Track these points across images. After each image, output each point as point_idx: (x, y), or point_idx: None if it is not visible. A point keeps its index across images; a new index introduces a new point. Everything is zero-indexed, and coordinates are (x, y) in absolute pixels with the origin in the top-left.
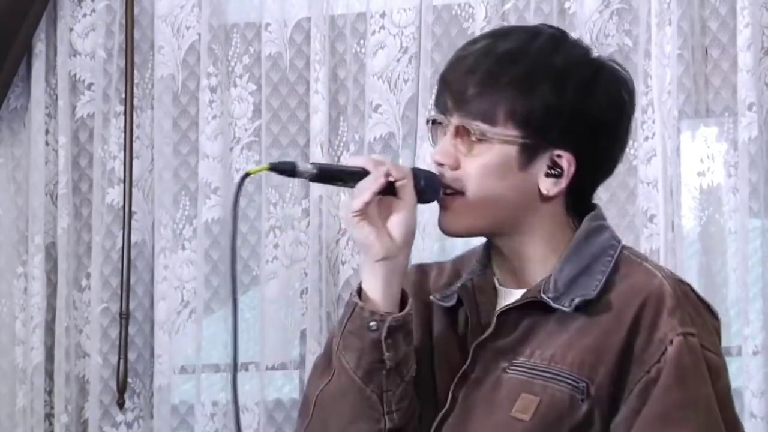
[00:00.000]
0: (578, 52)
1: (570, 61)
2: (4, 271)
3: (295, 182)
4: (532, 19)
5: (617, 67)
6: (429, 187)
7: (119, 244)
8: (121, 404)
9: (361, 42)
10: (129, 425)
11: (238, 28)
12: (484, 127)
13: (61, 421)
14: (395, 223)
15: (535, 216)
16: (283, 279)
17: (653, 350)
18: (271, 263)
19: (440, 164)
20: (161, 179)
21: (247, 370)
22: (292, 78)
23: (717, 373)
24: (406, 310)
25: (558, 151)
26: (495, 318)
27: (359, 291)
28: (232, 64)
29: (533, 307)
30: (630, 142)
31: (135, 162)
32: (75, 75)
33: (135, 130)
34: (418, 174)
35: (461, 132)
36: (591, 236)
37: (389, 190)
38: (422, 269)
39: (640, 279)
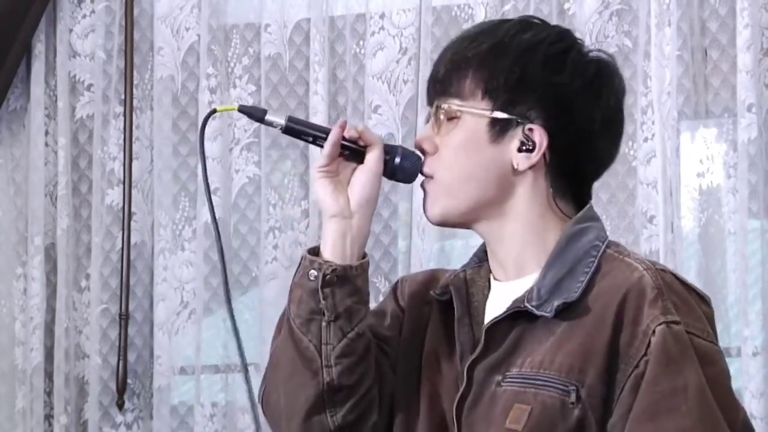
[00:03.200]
0: (548, 32)
1: (538, 38)
2: (4, 272)
3: (294, 183)
4: None
5: (596, 52)
6: (406, 165)
7: (119, 245)
8: (120, 405)
9: (361, 43)
10: (128, 426)
11: (238, 29)
12: (453, 101)
13: (61, 422)
14: (353, 185)
15: (512, 196)
16: (283, 280)
17: (638, 344)
18: (271, 264)
19: (421, 151)
20: (161, 180)
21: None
22: (291, 79)
23: (709, 359)
24: (349, 263)
25: (530, 126)
26: (484, 333)
27: (315, 249)
28: (232, 65)
29: (520, 316)
30: (629, 143)
31: (134, 163)
32: (74, 76)
33: (134, 131)
34: (396, 150)
35: (436, 114)
36: (574, 239)
37: (363, 159)
38: (434, 274)
39: (620, 275)
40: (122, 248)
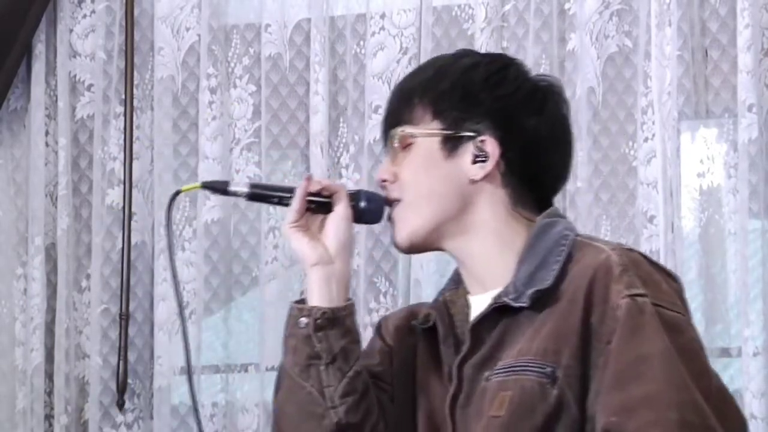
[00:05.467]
0: (485, 55)
1: (476, 60)
2: (4, 273)
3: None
4: (531, 20)
5: (538, 75)
6: (371, 207)
7: (119, 245)
8: (121, 405)
9: (361, 43)
10: (129, 426)
11: (238, 29)
12: (405, 128)
13: (61, 422)
14: (326, 234)
15: (474, 208)
16: (283, 280)
17: (609, 320)
18: (271, 264)
19: (383, 182)
20: (161, 180)
21: (246, 371)
22: (291, 79)
23: (677, 328)
24: (336, 305)
25: (482, 138)
26: (469, 333)
27: (300, 299)
28: (232, 65)
29: (502, 313)
30: (629, 143)
31: (135, 163)
32: (75, 76)
33: (135, 131)
34: (359, 194)
35: (392, 145)
36: (543, 232)
37: (329, 209)
38: (412, 308)
39: (589, 259)
40: (123, 248)
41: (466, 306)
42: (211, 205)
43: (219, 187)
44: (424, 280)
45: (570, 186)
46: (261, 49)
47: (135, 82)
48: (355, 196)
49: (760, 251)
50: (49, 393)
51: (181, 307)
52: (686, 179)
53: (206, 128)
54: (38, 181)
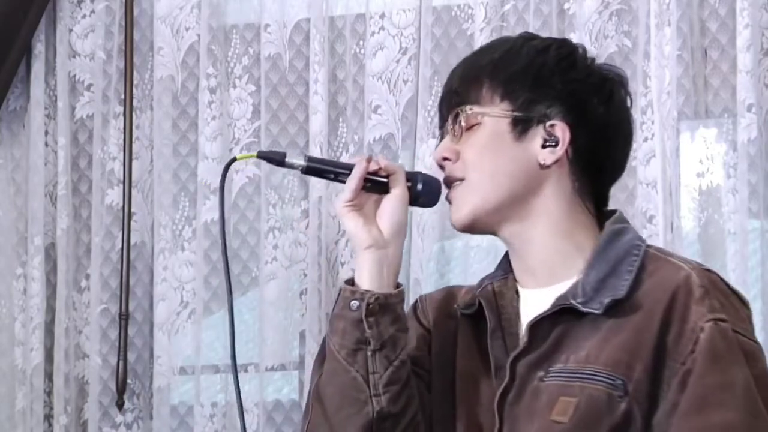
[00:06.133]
0: (553, 39)
1: (546, 43)
2: (4, 273)
3: (294, 183)
4: (531, 20)
5: (609, 66)
6: (428, 190)
7: (119, 245)
8: (120, 405)
9: (361, 43)
10: (128, 426)
11: (238, 29)
12: (473, 107)
13: (61, 422)
14: (382, 215)
15: (539, 194)
16: (283, 280)
17: (686, 341)
18: (271, 264)
19: (442, 161)
20: (161, 180)
21: (246, 371)
22: (291, 79)
23: (754, 357)
24: (388, 291)
25: (552, 122)
26: (527, 330)
27: (350, 280)
28: (232, 65)
29: (564, 314)
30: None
31: (134, 163)
32: (74, 76)
33: (134, 131)
34: (416, 176)
35: (455, 122)
36: (615, 238)
37: (385, 190)
38: (451, 290)
39: (667, 274)
40: (122, 248)
41: (516, 299)
42: (211, 205)
43: (276, 158)
44: (423, 280)
45: None
46: (260, 49)
47: (134, 82)
48: (412, 178)
49: (760, 251)
50: (49, 393)
51: (230, 291)
52: (685, 179)
53: (206, 128)
54: (38, 181)
